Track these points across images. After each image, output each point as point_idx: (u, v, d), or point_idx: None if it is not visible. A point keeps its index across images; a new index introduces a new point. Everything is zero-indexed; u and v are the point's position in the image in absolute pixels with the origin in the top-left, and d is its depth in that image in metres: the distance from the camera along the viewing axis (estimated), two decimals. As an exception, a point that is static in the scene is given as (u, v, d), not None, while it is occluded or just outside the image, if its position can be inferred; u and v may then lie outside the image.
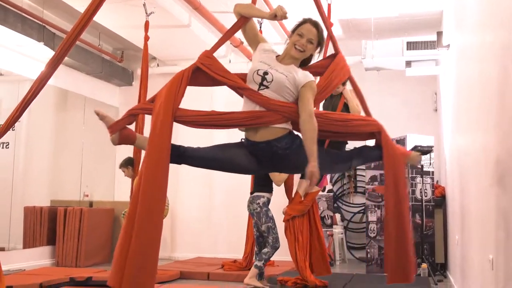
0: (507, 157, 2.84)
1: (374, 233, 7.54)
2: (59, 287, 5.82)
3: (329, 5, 5.66)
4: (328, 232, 8.59)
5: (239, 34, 3.55)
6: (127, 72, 9.92)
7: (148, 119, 3.35)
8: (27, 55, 7.86)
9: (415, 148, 5.10)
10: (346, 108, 5.84)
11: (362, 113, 3.80)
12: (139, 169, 6.48)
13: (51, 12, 7.93)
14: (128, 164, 6.82)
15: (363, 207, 9.04)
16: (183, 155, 3.23)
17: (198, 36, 8.06)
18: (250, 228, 7.07)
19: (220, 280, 6.73)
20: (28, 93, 3.73)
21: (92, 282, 5.88)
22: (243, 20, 3.40)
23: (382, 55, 7.83)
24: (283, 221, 5.89)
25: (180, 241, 9.40)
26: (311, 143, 3.11)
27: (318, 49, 3.41)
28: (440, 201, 7.78)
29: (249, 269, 6.07)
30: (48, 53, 7.36)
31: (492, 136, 3.28)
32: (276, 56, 3.37)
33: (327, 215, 8.85)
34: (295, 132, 3.31)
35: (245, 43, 7.89)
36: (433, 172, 7.71)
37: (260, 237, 6.15)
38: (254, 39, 3.48)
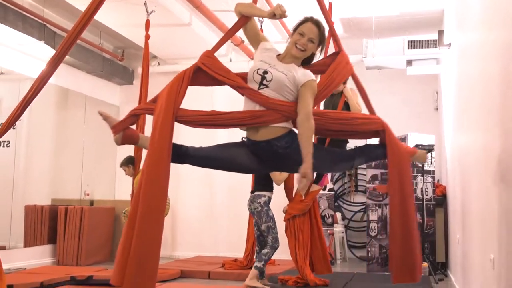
0: (508, 156, 2.84)
1: (375, 232, 7.53)
2: (60, 286, 5.81)
3: (330, 4, 5.66)
4: (329, 231, 8.59)
5: (240, 33, 3.55)
6: (128, 70, 9.92)
7: (149, 119, 3.36)
8: (28, 54, 7.86)
9: (416, 147, 5.08)
10: (346, 106, 5.84)
11: (364, 112, 3.79)
12: (141, 168, 6.49)
13: (51, 10, 7.93)
14: (129, 162, 6.82)
15: (364, 206, 9.04)
16: (185, 155, 3.25)
17: (199, 34, 8.06)
18: (251, 227, 7.07)
19: (221, 279, 6.73)
20: (29, 91, 3.73)
21: (93, 281, 5.88)
22: (244, 20, 3.40)
23: (383, 54, 7.82)
24: (284, 220, 5.88)
25: (181, 240, 9.40)
26: (306, 144, 3.10)
27: (320, 48, 3.39)
28: (441, 200, 7.78)
29: (250, 268, 6.07)
30: (48, 52, 7.36)
31: (493, 135, 3.27)
32: (278, 55, 3.36)
33: (328, 214, 8.85)
34: (296, 131, 3.30)
35: (246, 42, 7.89)
36: (434, 171, 7.71)
37: (261, 236, 6.15)
38: (255, 38, 3.47)
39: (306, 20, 3.32)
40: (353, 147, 4.18)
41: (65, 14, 8.00)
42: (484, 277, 3.77)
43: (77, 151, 9.28)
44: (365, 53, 7.84)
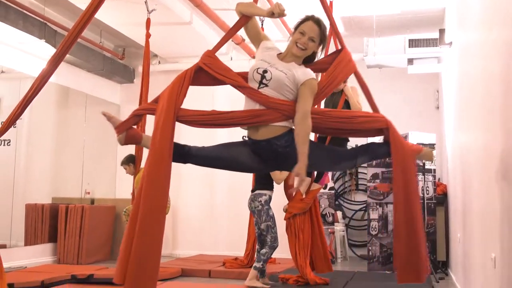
0: (510, 154, 2.83)
1: (375, 231, 7.53)
2: (61, 284, 5.81)
3: (331, 3, 5.65)
4: (329, 230, 8.59)
5: (240, 32, 3.54)
6: (129, 69, 9.91)
7: (150, 118, 3.37)
8: (29, 53, 7.86)
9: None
10: (347, 105, 5.83)
11: (367, 110, 3.75)
12: (142, 167, 6.48)
13: (52, 9, 7.92)
14: (130, 161, 6.81)
15: (365, 205, 9.04)
16: (188, 154, 3.27)
17: (200, 33, 8.05)
18: (251, 226, 7.06)
19: (222, 278, 6.74)
20: (30, 90, 3.73)
21: (93, 280, 5.87)
22: (245, 19, 3.39)
23: (384, 53, 7.80)
24: (284, 219, 5.88)
25: (181, 239, 9.40)
26: (302, 144, 3.10)
27: (321, 47, 3.39)
28: (441, 198, 7.77)
29: (251, 267, 6.06)
30: (49, 51, 7.35)
31: (494, 134, 3.27)
32: (279, 54, 3.36)
33: (329, 212, 8.84)
34: None
35: (247, 41, 7.88)
36: (435, 170, 7.71)
37: (262, 235, 6.14)
38: (257, 37, 3.47)
39: (307, 18, 3.31)
40: (354, 146, 4.18)
41: (65, 13, 7.99)
42: (485, 276, 3.77)
43: (78, 149, 9.28)
44: (366, 52, 7.83)
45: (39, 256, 7.87)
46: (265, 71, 3.24)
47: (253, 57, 8.64)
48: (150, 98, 5.70)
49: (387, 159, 7.34)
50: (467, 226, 4.95)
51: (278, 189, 6.13)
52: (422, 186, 7.41)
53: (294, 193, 5.82)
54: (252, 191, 6.08)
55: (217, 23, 7.46)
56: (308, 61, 3.39)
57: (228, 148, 3.39)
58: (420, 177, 7.42)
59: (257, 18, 3.51)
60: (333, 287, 5.61)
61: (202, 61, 3.30)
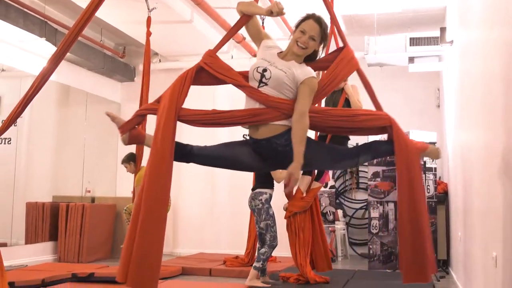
0: (511, 153, 2.83)
1: (376, 229, 7.52)
2: (61, 283, 5.81)
3: (332, 0, 5.64)
4: (330, 228, 8.58)
5: (241, 30, 3.54)
6: (129, 67, 9.91)
7: (150, 118, 3.38)
8: (29, 51, 7.85)
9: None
10: (347, 103, 5.82)
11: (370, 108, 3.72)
12: (143, 166, 6.48)
13: (52, 7, 7.91)
14: (130, 159, 6.81)
15: (365, 203, 9.03)
16: (190, 154, 3.29)
17: (200, 31, 8.05)
18: (252, 224, 7.06)
19: (222, 276, 6.74)
20: (30, 88, 3.74)
21: (94, 278, 5.88)
22: (246, 18, 3.40)
23: (385, 51, 7.79)
24: (285, 218, 5.87)
25: (182, 237, 9.40)
26: (298, 143, 3.09)
27: (322, 45, 3.37)
28: (442, 197, 7.77)
29: (251, 265, 6.06)
30: (50, 49, 7.35)
31: (496, 132, 3.26)
32: (280, 52, 3.35)
33: (329, 211, 8.84)
34: None
35: (248, 39, 7.88)
36: (435, 168, 7.70)
37: (262, 234, 6.14)
38: (258, 36, 3.47)
39: (308, 17, 3.30)
40: (354, 144, 4.16)
41: (66, 11, 7.98)
42: (486, 275, 3.77)
43: (78, 148, 9.28)
44: (366, 50, 7.82)
45: (39, 254, 7.87)
46: (264, 70, 3.23)
47: (254, 56, 8.63)
48: (150, 97, 5.72)
49: (388, 157, 7.36)
50: (468, 225, 4.95)
51: (279, 188, 6.12)
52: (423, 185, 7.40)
53: (294, 192, 5.83)
54: (253, 189, 6.08)
55: (218, 22, 7.45)
56: (309, 59, 3.37)
57: (229, 147, 3.39)
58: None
59: (258, 16, 3.50)
60: (334, 286, 5.61)
61: (203, 60, 3.30)
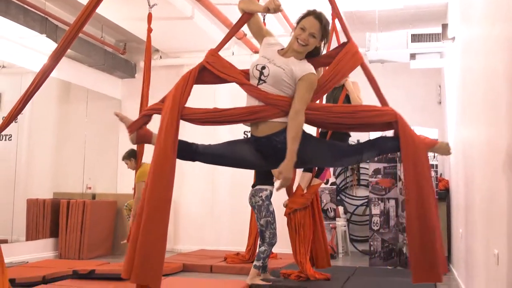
0: (513, 150, 2.82)
1: (377, 226, 7.52)
2: (62, 280, 5.81)
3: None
4: (331, 225, 8.58)
5: (243, 26, 3.54)
6: (130, 64, 9.90)
7: (156, 118, 3.42)
8: (30, 47, 7.84)
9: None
10: (347, 100, 5.81)
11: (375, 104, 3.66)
12: (143, 162, 6.47)
13: (53, 4, 7.90)
14: (131, 156, 6.80)
15: (366, 200, 9.03)
16: (195, 152, 3.34)
17: (201, 28, 8.03)
18: (253, 221, 7.06)
19: (223, 273, 6.73)
20: (31, 85, 3.75)
21: (95, 275, 5.87)
22: (247, 16, 3.41)
23: (386, 48, 7.78)
24: (285, 215, 5.86)
25: (183, 234, 9.40)
26: (291, 141, 3.09)
27: (323, 42, 3.36)
28: (443, 194, 7.76)
29: (252, 262, 6.06)
30: (50, 45, 7.33)
31: (498, 129, 3.25)
32: (280, 49, 3.34)
33: (330, 207, 8.83)
34: None
35: (249, 35, 7.86)
36: (436, 165, 7.69)
37: (262, 231, 6.13)
38: (259, 33, 3.47)
39: (308, 13, 3.29)
40: (355, 141, 4.15)
41: (66, 8, 7.97)
42: (488, 273, 3.76)
43: (79, 144, 9.28)
44: (368, 47, 7.81)
45: (40, 251, 7.87)
46: (263, 67, 3.24)
47: (255, 52, 8.62)
48: (151, 93, 5.73)
49: (389, 154, 7.35)
50: (470, 222, 4.94)
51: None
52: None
53: (294, 189, 5.82)
54: (253, 186, 6.07)
55: (219, 18, 7.43)
56: (311, 55, 3.36)
57: (232, 145, 3.41)
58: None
59: (259, 14, 3.50)
60: (335, 283, 5.61)
61: (206, 60, 3.32)
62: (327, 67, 3.44)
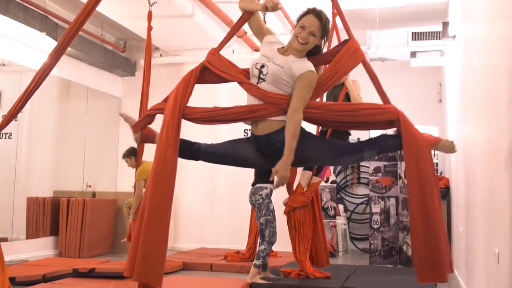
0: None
1: (377, 225, 7.51)
2: (62, 278, 5.81)
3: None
4: (331, 223, 8.58)
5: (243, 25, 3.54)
6: (130, 62, 9.89)
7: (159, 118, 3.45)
8: (30, 45, 7.84)
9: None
10: (347, 98, 5.80)
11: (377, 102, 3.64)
12: (143, 160, 6.46)
13: (53, 2, 7.89)
14: (131, 154, 6.79)
15: (366, 198, 9.03)
16: (198, 152, 3.37)
17: (201, 26, 8.02)
18: (253, 219, 7.05)
19: (223, 271, 6.73)
20: (31, 83, 3.75)
21: (95, 273, 5.86)
22: (248, 15, 3.42)
23: (386, 46, 7.77)
24: (284, 213, 5.85)
25: (183, 232, 9.39)
26: (289, 140, 3.09)
27: (324, 40, 3.34)
28: (444, 192, 7.75)
29: (252, 260, 6.05)
30: (50, 44, 7.33)
31: (499, 127, 3.24)
32: (281, 48, 3.34)
33: (330, 206, 8.83)
34: None
35: (249, 33, 7.85)
36: (437, 163, 7.69)
37: (261, 229, 6.12)
38: (260, 32, 3.47)
39: (308, 12, 3.28)
40: (355, 139, 4.13)
41: (67, 6, 7.96)
42: (488, 272, 3.75)
43: (79, 142, 9.27)
44: (368, 45, 7.80)
45: (40, 249, 7.87)
46: (262, 66, 3.24)
47: (255, 50, 8.61)
48: (151, 91, 5.72)
49: (390, 153, 7.34)
50: (470, 220, 4.93)
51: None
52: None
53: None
54: (253, 184, 6.06)
55: (219, 16, 7.42)
56: (312, 54, 3.35)
57: (233, 144, 3.43)
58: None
59: (260, 12, 3.49)
60: (335, 281, 5.59)
61: (207, 59, 3.34)
62: (327, 65, 3.43)
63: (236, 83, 3.36)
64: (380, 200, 7.58)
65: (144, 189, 6.36)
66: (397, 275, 6.14)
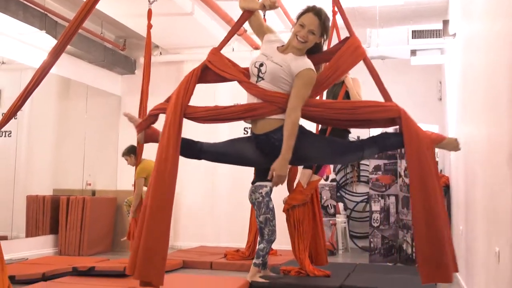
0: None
1: (377, 223, 7.51)
2: (62, 276, 5.80)
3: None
4: (331, 221, 8.58)
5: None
6: (130, 60, 9.88)
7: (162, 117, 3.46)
8: (29, 44, 7.83)
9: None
10: (347, 96, 5.79)
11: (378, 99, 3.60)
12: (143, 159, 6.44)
13: (53, 0, 7.87)
14: (131, 152, 6.79)
15: (366, 196, 9.02)
16: (200, 151, 3.39)
17: (201, 24, 8.01)
18: (253, 218, 7.05)
19: (223, 270, 6.73)
20: (31, 81, 3.75)
21: (94, 272, 5.86)
22: (248, 13, 3.41)
23: (387, 44, 7.77)
24: (283, 211, 5.85)
25: (183, 230, 9.39)
26: (286, 138, 3.09)
27: (323, 38, 3.33)
28: (443, 191, 7.71)
29: (252, 259, 6.05)
30: (50, 42, 7.32)
31: (500, 124, 3.23)
32: (281, 46, 3.33)
33: (330, 204, 8.83)
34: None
35: (249, 31, 7.84)
36: (436, 161, 7.68)
37: (261, 228, 6.12)
38: (260, 30, 3.47)
39: (308, 10, 3.27)
40: (355, 138, 4.12)
41: (66, 4, 7.95)
42: (488, 271, 3.75)
43: (79, 141, 9.27)
44: (368, 43, 7.80)
45: (40, 247, 7.87)
46: (261, 65, 3.24)
47: (255, 48, 8.60)
48: (151, 90, 5.71)
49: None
50: (470, 219, 4.93)
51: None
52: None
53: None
54: (253, 183, 6.05)
55: (219, 14, 7.41)
56: (313, 52, 3.34)
57: (234, 143, 3.43)
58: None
59: (260, 11, 3.48)
60: (335, 279, 5.59)
61: (208, 59, 3.35)
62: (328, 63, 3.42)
63: (236, 82, 3.35)
64: (380, 198, 7.58)
65: (144, 187, 6.38)
66: (397, 273, 6.14)
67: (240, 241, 7.93)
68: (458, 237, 6.25)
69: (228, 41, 3.49)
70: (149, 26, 5.82)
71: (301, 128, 3.19)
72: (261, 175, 5.97)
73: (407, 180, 7.24)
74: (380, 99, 3.36)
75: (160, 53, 9.55)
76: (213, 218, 9.30)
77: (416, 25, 7.82)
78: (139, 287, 3.16)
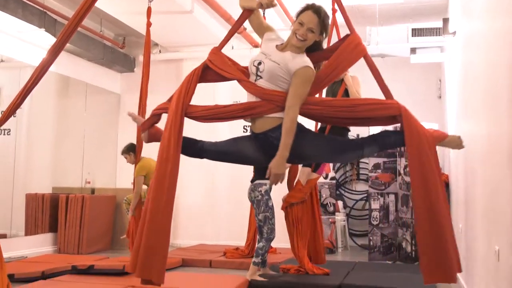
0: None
1: (376, 221, 7.51)
2: (61, 275, 5.80)
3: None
4: (330, 220, 8.57)
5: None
6: (129, 58, 9.87)
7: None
8: (28, 42, 7.81)
9: None
10: (346, 94, 5.78)
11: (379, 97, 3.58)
12: (142, 156, 6.44)
13: (52, -3, 7.88)
14: (130, 150, 6.79)
15: (366, 195, 9.02)
16: (202, 150, 3.42)
17: (201, 22, 8.00)
18: (252, 216, 7.05)
19: (222, 268, 6.73)
20: (30, 79, 3.75)
21: (94, 270, 5.85)
22: (247, 12, 3.40)
23: (386, 42, 7.77)
24: (281, 209, 5.85)
25: (182, 228, 9.39)
26: (284, 136, 3.07)
27: (323, 36, 3.32)
28: (443, 189, 7.74)
29: (252, 257, 6.05)
30: (49, 40, 7.31)
31: (500, 122, 3.22)
32: (280, 44, 3.31)
33: (330, 202, 8.83)
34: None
35: (249, 30, 7.83)
36: (437, 160, 7.67)
37: (260, 226, 6.12)
38: (260, 28, 3.45)
39: (307, 8, 3.25)
40: (355, 136, 4.11)
41: (65, 2, 7.94)
42: (488, 269, 3.74)
43: (78, 139, 9.26)
44: (368, 41, 7.79)
45: (39, 246, 7.86)
46: (259, 63, 3.23)
47: (255, 46, 8.60)
48: (150, 88, 5.71)
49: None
50: (470, 217, 4.92)
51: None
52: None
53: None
54: (252, 181, 6.05)
55: (218, 12, 7.40)
56: (312, 50, 3.32)
57: (235, 142, 3.42)
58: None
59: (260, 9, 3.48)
60: (334, 277, 5.59)
61: (208, 58, 3.35)
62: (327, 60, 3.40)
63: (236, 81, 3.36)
64: (379, 196, 7.58)
65: (143, 185, 6.37)
66: (396, 272, 6.14)
67: (239, 239, 7.93)
68: (457, 236, 6.20)
69: (229, 40, 3.49)
70: (149, 24, 5.82)
71: (300, 126, 3.17)
72: (261, 173, 5.96)
73: (406, 178, 7.24)
74: (381, 96, 3.33)
75: (160, 51, 9.54)
76: (213, 216, 9.30)
77: (416, 23, 7.81)
78: (139, 285, 3.17)
